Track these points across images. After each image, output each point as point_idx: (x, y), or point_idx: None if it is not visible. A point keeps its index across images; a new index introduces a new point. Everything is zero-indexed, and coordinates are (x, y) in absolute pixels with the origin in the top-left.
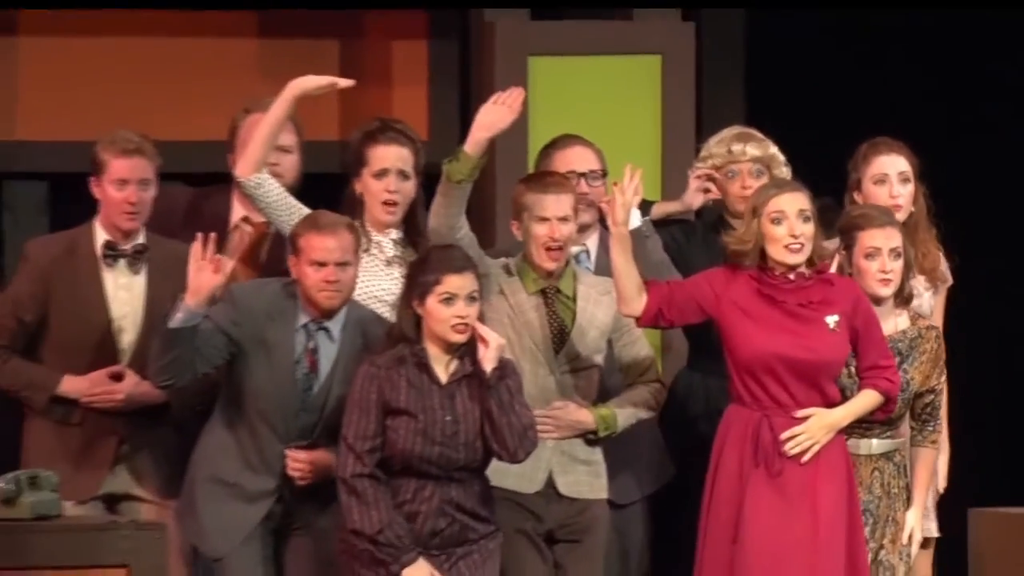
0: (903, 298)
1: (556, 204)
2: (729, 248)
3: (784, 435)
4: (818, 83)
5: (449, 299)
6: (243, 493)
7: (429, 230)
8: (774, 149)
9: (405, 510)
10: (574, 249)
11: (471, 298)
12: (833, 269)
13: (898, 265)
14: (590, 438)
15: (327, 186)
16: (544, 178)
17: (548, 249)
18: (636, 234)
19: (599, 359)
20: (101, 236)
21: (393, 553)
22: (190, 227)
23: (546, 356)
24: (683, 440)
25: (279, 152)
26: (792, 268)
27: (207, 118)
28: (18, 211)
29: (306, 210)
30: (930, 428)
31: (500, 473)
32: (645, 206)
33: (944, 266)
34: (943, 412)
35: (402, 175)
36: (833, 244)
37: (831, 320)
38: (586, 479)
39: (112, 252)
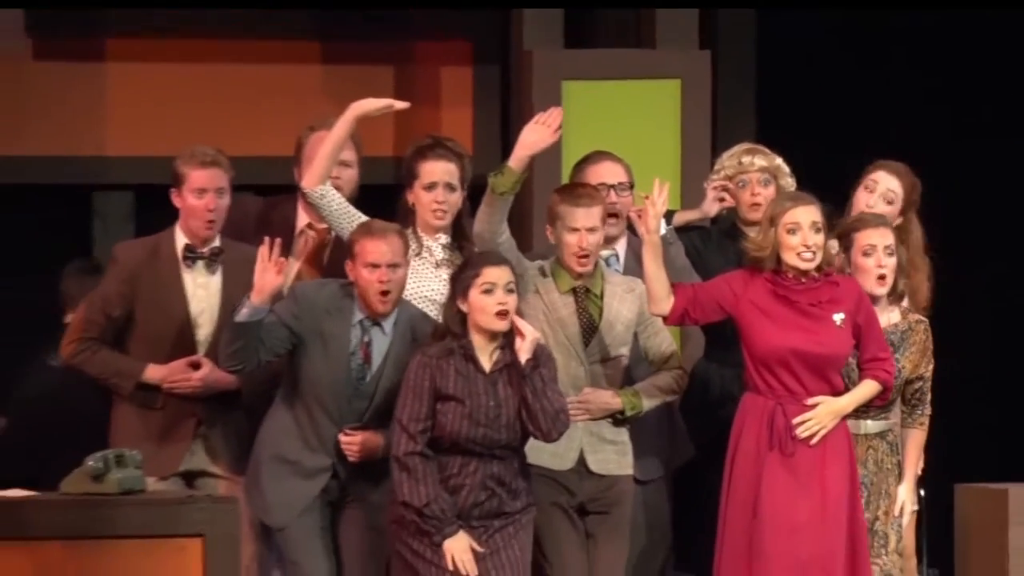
0: (896, 295)
1: (586, 216)
2: (749, 253)
3: (796, 420)
4: (821, 105)
5: (489, 289)
6: (302, 470)
7: (474, 235)
8: (780, 161)
9: (451, 483)
10: (604, 253)
11: (509, 288)
12: None
13: (892, 262)
14: (618, 418)
15: (383, 197)
16: (575, 190)
17: (577, 256)
18: (662, 241)
19: (625, 350)
20: (181, 240)
21: (437, 525)
22: (260, 233)
23: (577, 348)
24: (700, 423)
25: (340, 166)
26: (804, 273)
27: (276, 136)
28: (107, 219)
29: (364, 218)
30: (919, 411)
31: (536, 452)
32: (668, 215)
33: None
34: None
35: (449, 187)
36: (832, 246)
37: (838, 317)
38: (614, 457)
39: (191, 255)
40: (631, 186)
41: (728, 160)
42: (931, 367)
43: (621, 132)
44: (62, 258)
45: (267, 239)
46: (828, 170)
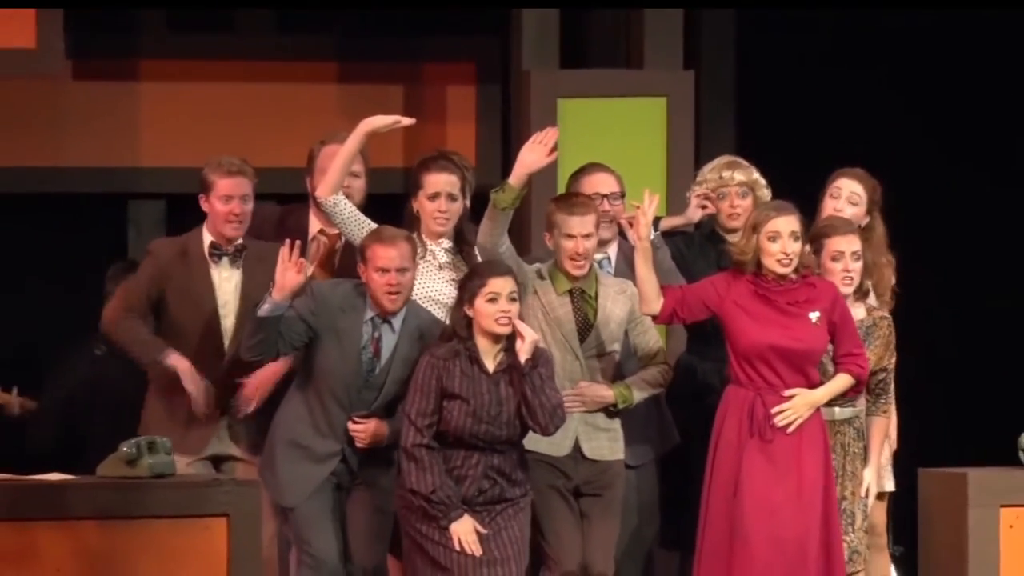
0: (861, 292)
1: (581, 224)
2: (733, 257)
3: (774, 410)
4: (795, 122)
5: (493, 298)
6: (313, 454)
7: (477, 246)
8: (757, 174)
9: (455, 474)
10: (597, 256)
11: (511, 297)
12: None
13: (858, 266)
14: (611, 410)
15: (393, 205)
16: (571, 199)
17: (573, 260)
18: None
19: (617, 347)
20: (208, 239)
21: (443, 510)
22: (277, 238)
23: (573, 345)
24: (684, 412)
25: (350, 177)
26: (783, 276)
27: (296, 148)
28: (141, 226)
29: (373, 225)
30: (882, 400)
31: (535, 439)
32: (655, 220)
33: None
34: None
35: (451, 197)
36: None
37: (814, 316)
38: (607, 444)
39: (217, 251)
40: (622, 195)
41: (710, 173)
42: (894, 359)
43: (612, 145)
44: (99, 261)
45: (288, 241)
46: (801, 182)
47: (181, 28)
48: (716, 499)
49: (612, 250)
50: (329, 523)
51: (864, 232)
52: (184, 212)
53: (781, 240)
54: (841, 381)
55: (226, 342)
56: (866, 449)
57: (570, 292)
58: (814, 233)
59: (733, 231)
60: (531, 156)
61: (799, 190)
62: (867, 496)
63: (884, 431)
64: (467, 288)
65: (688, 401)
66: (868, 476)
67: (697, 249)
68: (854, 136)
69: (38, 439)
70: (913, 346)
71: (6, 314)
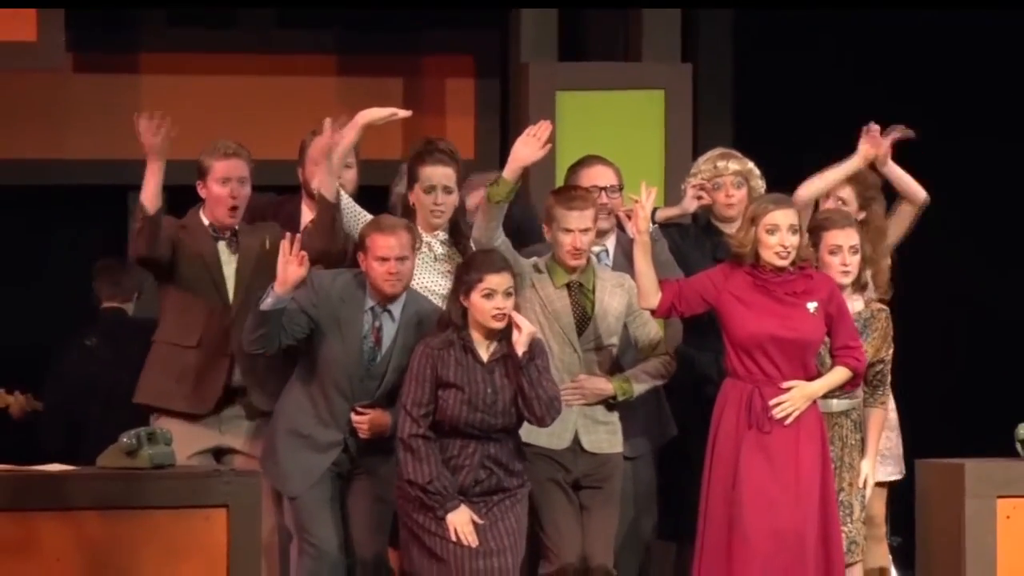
0: (859, 285)
1: (579, 218)
2: (732, 249)
3: (772, 402)
4: (791, 114)
5: (489, 294)
6: (315, 444)
7: (472, 239)
8: (751, 165)
9: (452, 464)
10: (595, 249)
11: (507, 293)
12: None
13: (856, 259)
14: (611, 403)
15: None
16: (570, 193)
17: (571, 254)
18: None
19: (615, 339)
20: (205, 222)
21: (440, 500)
22: None
23: (571, 338)
24: (682, 402)
25: (343, 167)
26: (780, 269)
27: (295, 141)
28: None
29: (368, 216)
30: (880, 392)
31: (535, 433)
32: (651, 211)
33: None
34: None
35: (446, 190)
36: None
37: (811, 306)
38: (605, 436)
39: (215, 235)
40: (621, 188)
41: (704, 164)
42: (891, 351)
43: (610, 138)
44: (99, 252)
45: (287, 234)
46: (799, 174)
47: (181, 21)
48: (716, 492)
49: (610, 243)
50: (330, 513)
51: (862, 224)
52: (184, 204)
53: (780, 233)
54: (838, 374)
55: (231, 300)
56: (863, 440)
57: (568, 286)
58: (812, 226)
59: (729, 220)
60: (525, 150)
61: (797, 183)
62: (865, 487)
63: (882, 423)
64: (463, 280)
65: (686, 392)
66: (866, 467)
67: (692, 240)
68: (851, 129)
69: (46, 439)
70: (911, 337)
71: (7, 306)
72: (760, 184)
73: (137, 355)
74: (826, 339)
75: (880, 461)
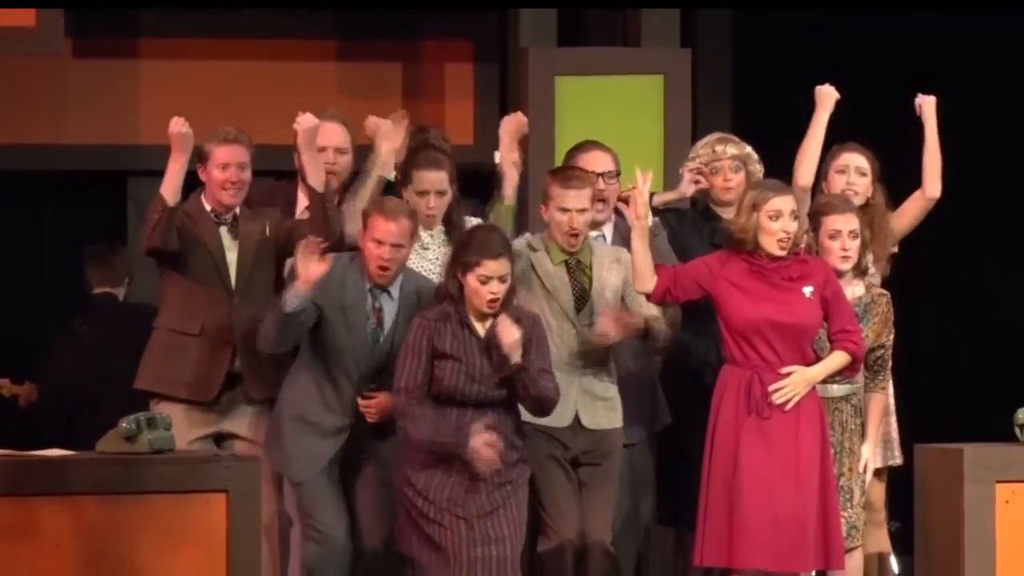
0: (860, 270)
1: (576, 198)
2: (733, 235)
3: (771, 388)
4: (790, 99)
5: (485, 280)
6: (322, 429)
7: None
8: (749, 149)
9: None
10: (593, 234)
11: (502, 279)
12: None
13: (855, 244)
14: (607, 380)
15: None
16: (567, 173)
17: (567, 234)
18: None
19: None
20: (207, 207)
21: (452, 441)
22: None
23: (570, 314)
24: (680, 388)
25: (337, 153)
26: (777, 255)
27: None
28: (140, 202)
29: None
30: (880, 377)
31: None
32: (649, 196)
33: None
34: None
35: (439, 193)
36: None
37: (807, 291)
38: (604, 413)
39: (216, 220)
40: (618, 174)
41: (702, 148)
42: (892, 336)
43: (609, 123)
44: (100, 237)
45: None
46: (795, 158)
47: (180, 6)
48: (716, 478)
49: (607, 229)
50: (335, 499)
51: (864, 207)
52: (184, 189)
53: (782, 219)
54: (837, 358)
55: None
56: (864, 425)
57: (566, 263)
58: (812, 211)
59: (727, 205)
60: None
61: (789, 166)
62: (865, 472)
63: (882, 408)
64: (461, 260)
65: (684, 377)
66: (866, 452)
67: (690, 225)
68: (850, 115)
69: (44, 424)
70: (910, 322)
71: (6, 292)
72: (758, 168)
73: (128, 340)
74: (825, 324)
75: (886, 446)
